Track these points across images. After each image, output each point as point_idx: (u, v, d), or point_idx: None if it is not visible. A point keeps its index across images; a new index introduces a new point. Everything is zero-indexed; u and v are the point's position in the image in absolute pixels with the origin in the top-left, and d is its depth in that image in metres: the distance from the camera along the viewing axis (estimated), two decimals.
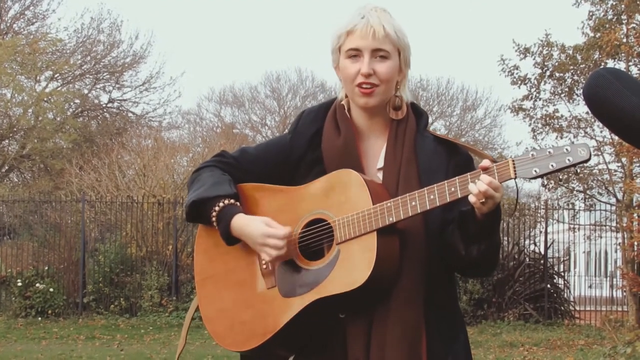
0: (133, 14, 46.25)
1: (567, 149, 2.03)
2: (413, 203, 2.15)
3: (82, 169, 18.17)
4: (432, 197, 2.13)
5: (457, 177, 2.13)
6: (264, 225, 2.26)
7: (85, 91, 25.13)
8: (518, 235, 15.41)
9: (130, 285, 14.59)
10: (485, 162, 2.12)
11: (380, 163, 2.33)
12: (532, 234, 16.15)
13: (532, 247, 15.54)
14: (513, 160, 2.09)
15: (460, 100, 29.01)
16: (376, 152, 2.35)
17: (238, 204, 2.32)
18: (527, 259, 14.72)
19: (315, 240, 2.27)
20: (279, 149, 2.39)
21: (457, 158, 2.31)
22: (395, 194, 2.23)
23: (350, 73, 2.31)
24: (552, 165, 2.05)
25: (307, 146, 2.37)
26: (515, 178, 2.09)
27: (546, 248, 14.73)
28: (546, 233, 14.93)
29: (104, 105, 25.79)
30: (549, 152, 2.05)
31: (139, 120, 25.55)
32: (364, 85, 2.29)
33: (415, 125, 2.35)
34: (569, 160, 2.04)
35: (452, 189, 2.12)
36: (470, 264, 2.26)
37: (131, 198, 15.84)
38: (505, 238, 14.90)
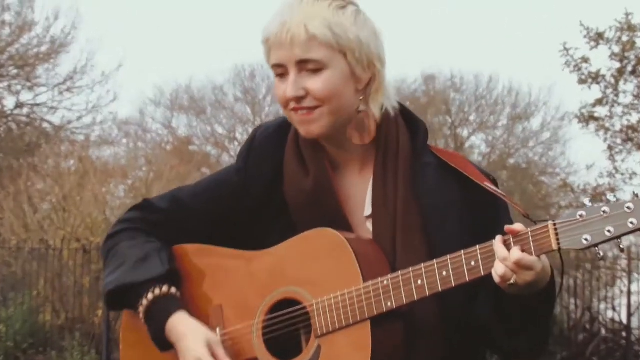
0: None
1: (629, 208, 2.05)
2: (419, 282, 2.18)
3: None
4: (444, 273, 2.17)
5: (478, 247, 2.16)
6: (205, 350, 2.28)
7: None
8: (590, 297, 15.30)
9: None
10: (517, 226, 2.15)
11: (368, 208, 2.36)
12: (609, 294, 16.02)
13: (609, 313, 15.43)
14: (555, 225, 2.11)
15: (508, 106, 28.64)
16: (360, 192, 2.38)
17: (174, 291, 2.37)
18: (604, 331, 14.65)
19: (286, 331, 2.31)
20: (226, 193, 2.43)
21: (474, 186, 2.33)
22: (393, 253, 2.29)
23: (280, 97, 2.35)
24: (608, 232, 2.07)
25: (265, 189, 2.41)
26: (558, 250, 2.12)
27: (629, 315, 14.63)
28: (629, 294, 14.82)
29: (9, 112, 25.65)
30: (604, 211, 2.07)
31: (57, 132, 25.54)
32: (299, 111, 2.33)
33: (410, 145, 2.37)
34: (632, 223, 2.06)
35: (473, 264, 2.16)
36: (510, 356, 2.32)
37: (46, 243, 15.86)
38: (572, 300, 14.79)
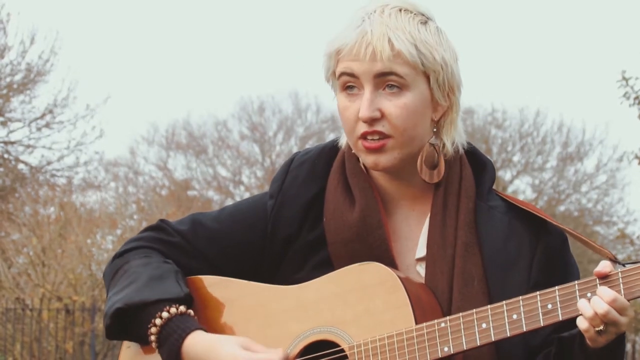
0: (26, 3, 45.86)
1: None
2: (484, 325, 2.22)
3: None
4: (515, 317, 2.21)
5: (557, 288, 2.21)
6: (243, 352, 2.33)
7: None
8: None
9: None
10: (604, 265, 2.18)
11: (421, 250, 2.43)
12: None
13: None
14: None
15: (558, 145, 29.18)
16: (412, 231, 2.45)
17: (192, 313, 2.43)
18: None
19: None
20: (254, 222, 2.49)
21: (546, 239, 2.41)
22: (449, 301, 2.33)
23: (348, 118, 2.39)
24: None
25: (300, 221, 2.47)
26: None
27: None
28: None
29: None
30: None
31: (35, 175, 25.97)
32: (369, 137, 2.36)
33: (475, 187, 2.44)
34: None
35: (550, 306, 2.19)
36: None
37: (22, 302, 16.37)
38: None
